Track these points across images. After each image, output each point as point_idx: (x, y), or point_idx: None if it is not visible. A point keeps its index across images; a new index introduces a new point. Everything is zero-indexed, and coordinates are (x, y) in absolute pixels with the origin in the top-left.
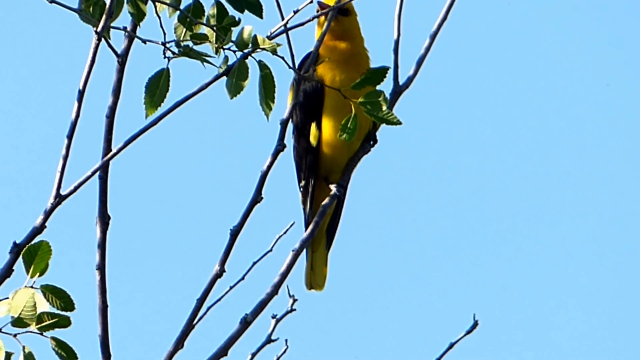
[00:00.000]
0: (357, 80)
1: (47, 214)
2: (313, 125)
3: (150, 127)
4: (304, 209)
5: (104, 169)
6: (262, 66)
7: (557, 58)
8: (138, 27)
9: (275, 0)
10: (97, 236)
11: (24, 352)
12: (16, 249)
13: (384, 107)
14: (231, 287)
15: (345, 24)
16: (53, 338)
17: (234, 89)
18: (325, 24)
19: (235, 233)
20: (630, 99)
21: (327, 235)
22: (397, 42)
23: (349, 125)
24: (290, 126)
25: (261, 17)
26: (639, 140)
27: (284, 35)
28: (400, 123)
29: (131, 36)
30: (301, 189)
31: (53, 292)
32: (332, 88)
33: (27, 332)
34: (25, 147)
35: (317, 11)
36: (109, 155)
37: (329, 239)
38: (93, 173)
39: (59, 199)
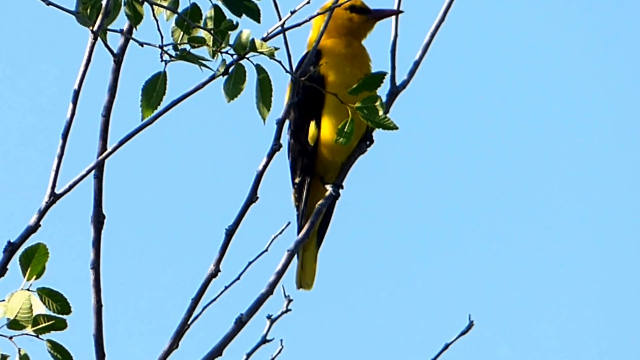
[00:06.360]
0: (359, 78)
1: (42, 212)
2: (312, 125)
3: (146, 127)
4: (298, 207)
5: (99, 167)
6: (260, 70)
7: (554, 61)
8: (135, 29)
9: (273, 1)
10: (92, 235)
11: (20, 354)
12: (10, 248)
13: (380, 112)
14: (226, 287)
15: (357, 22)
16: (49, 341)
17: (232, 92)
18: (322, 25)
19: (230, 233)
20: (628, 98)
21: (318, 234)
22: (394, 43)
23: (345, 129)
24: (286, 124)
25: (259, 21)
26: (632, 141)
27: (281, 35)
28: (396, 128)
29: (127, 36)
30: (295, 186)
31: (50, 295)
32: (329, 93)
33: (23, 334)
34: (20, 146)
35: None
36: (104, 154)
37: (319, 238)
38: (88, 172)
39: (54, 197)
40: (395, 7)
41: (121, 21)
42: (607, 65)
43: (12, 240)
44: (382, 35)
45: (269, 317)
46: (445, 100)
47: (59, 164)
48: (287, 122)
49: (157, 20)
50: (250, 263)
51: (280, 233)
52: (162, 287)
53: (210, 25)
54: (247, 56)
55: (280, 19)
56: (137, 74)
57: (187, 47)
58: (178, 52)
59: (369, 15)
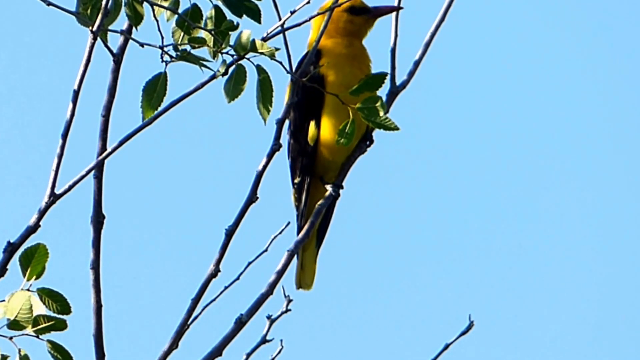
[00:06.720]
0: (359, 78)
1: (42, 213)
2: (312, 124)
3: (146, 127)
4: (297, 207)
5: (98, 168)
6: (260, 70)
7: (554, 60)
8: (135, 29)
9: (273, 1)
10: (92, 235)
11: (20, 355)
12: (10, 248)
13: (381, 113)
14: (226, 287)
15: (358, 23)
16: (49, 341)
17: (232, 93)
18: (322, 26)
19: (230, 233)
20: (628, 98)
21: (318, 234)
22: (394, 43)
23: (346, 130)
24: (286, 123)
25: (259, 22)
26: (633, 141)
27: (281, 36)
28: (397, 128)
29: (127, 36)
30: (295, 186)
31: (50, 296)
32: (330, 94)
33: (23, 334)
34: (20, 146)
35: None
36: (104, 154)
37: (319, 238)
38: (88, 172)
39: (54, 198)
40: (395, 4)
41: (121, 21)
42: (607, 65)
43: (12, 241)
44: (382, 35)
45: (268, 317)
46: (445, 100)
47: (59, 164)
48: (287, 122)
49: (157, 21)
50: (250, 263)
51: (280, 233)
52: (162, 287)
53: (210, 25)
54: (247, 56)
55: (280, 19)
56: (137, 74)
57: (188, 47)
58: (178, 53)
59: (369, 15)
